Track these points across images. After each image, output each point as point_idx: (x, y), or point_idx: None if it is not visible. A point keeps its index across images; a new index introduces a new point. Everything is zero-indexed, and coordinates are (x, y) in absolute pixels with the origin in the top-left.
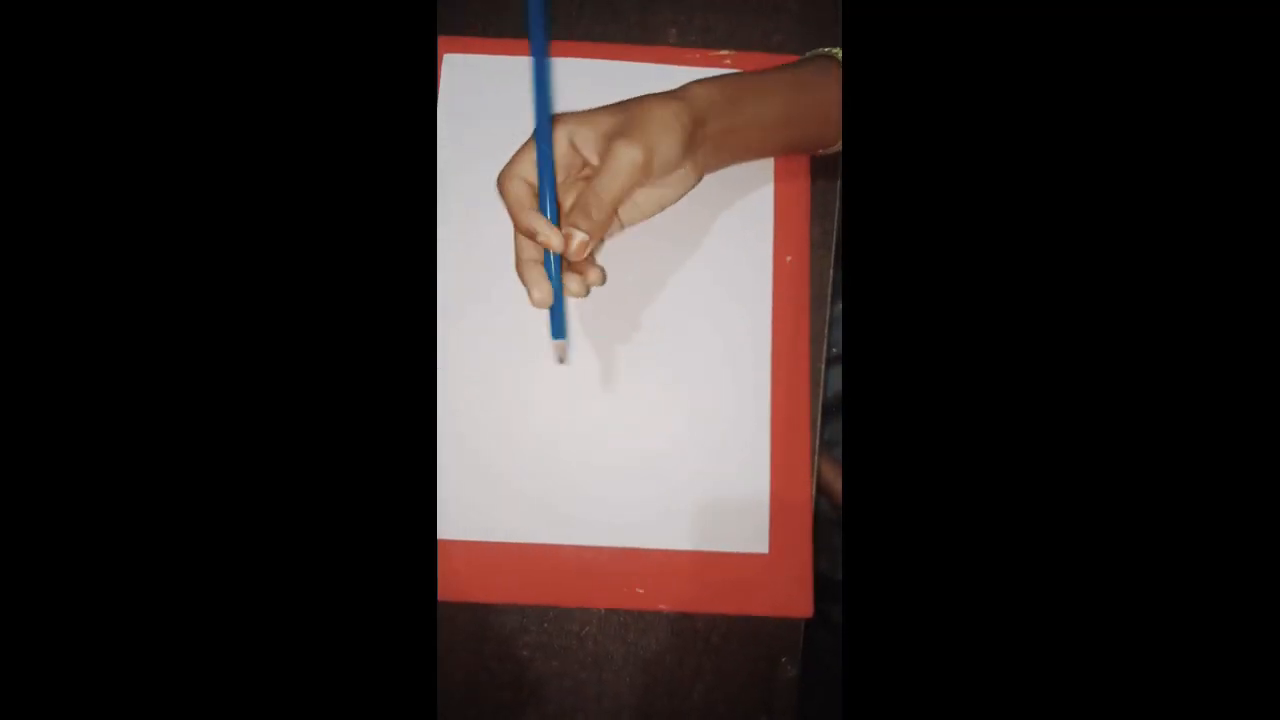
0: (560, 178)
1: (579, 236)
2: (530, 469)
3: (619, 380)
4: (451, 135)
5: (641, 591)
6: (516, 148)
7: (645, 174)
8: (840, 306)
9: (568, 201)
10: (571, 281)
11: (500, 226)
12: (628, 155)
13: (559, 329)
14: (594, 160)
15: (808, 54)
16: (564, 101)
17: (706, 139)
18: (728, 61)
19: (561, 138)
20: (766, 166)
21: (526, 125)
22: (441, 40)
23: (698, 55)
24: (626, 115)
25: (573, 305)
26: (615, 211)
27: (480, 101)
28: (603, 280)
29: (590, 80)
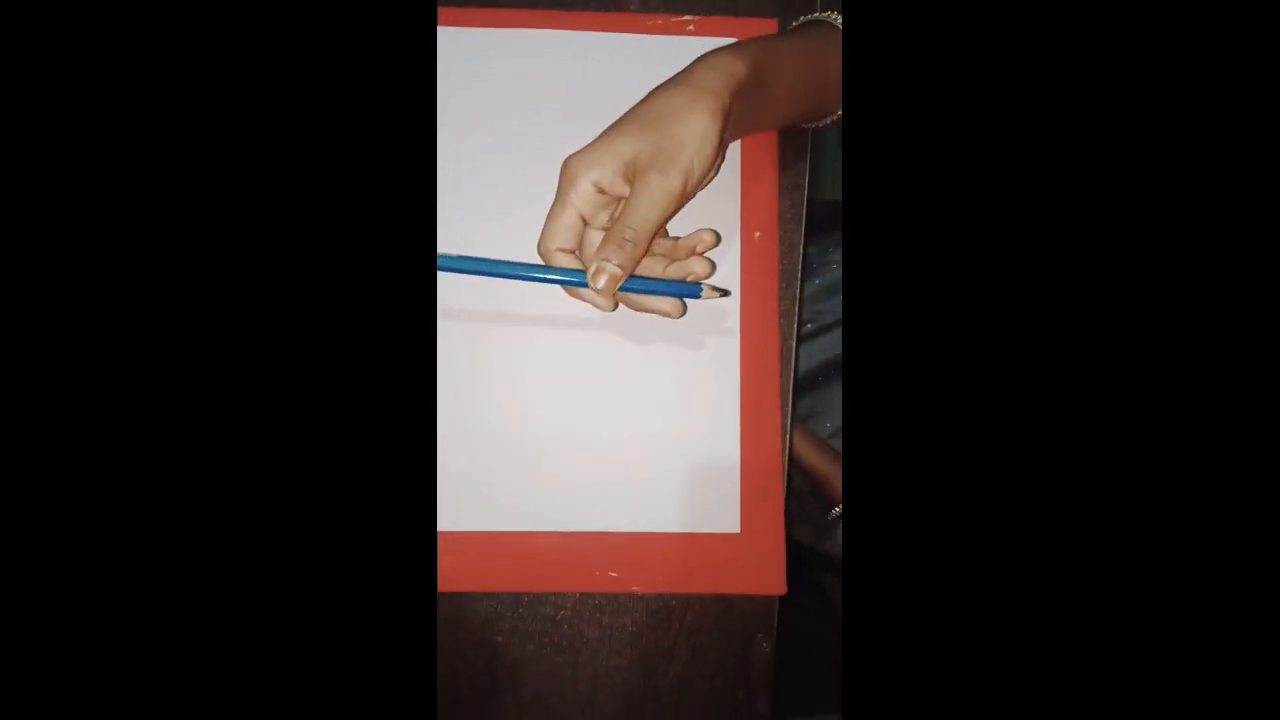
0: (588, 224)
1: (610, 271)
2: (498, 458)
3: (585, 365)
4: (450, 113)
5: (615, 575)
6: (515, 124)
7: (683, 200)
8: (815, 282)
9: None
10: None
11: (497, 211)
12: (663, 188)
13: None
14: (622, 191)
15: (804, 19)
16: (523, 75)
17: (731, 128)
18: (691, 27)
19: (584, 184)
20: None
21: (526, 100)
22: (440, 13)
23: (660, 21)
24: (654, 138)
25: (537, 291)
26: (650, 243)
27: (479, 77)
28: (613, 308)
29: (549, 52)
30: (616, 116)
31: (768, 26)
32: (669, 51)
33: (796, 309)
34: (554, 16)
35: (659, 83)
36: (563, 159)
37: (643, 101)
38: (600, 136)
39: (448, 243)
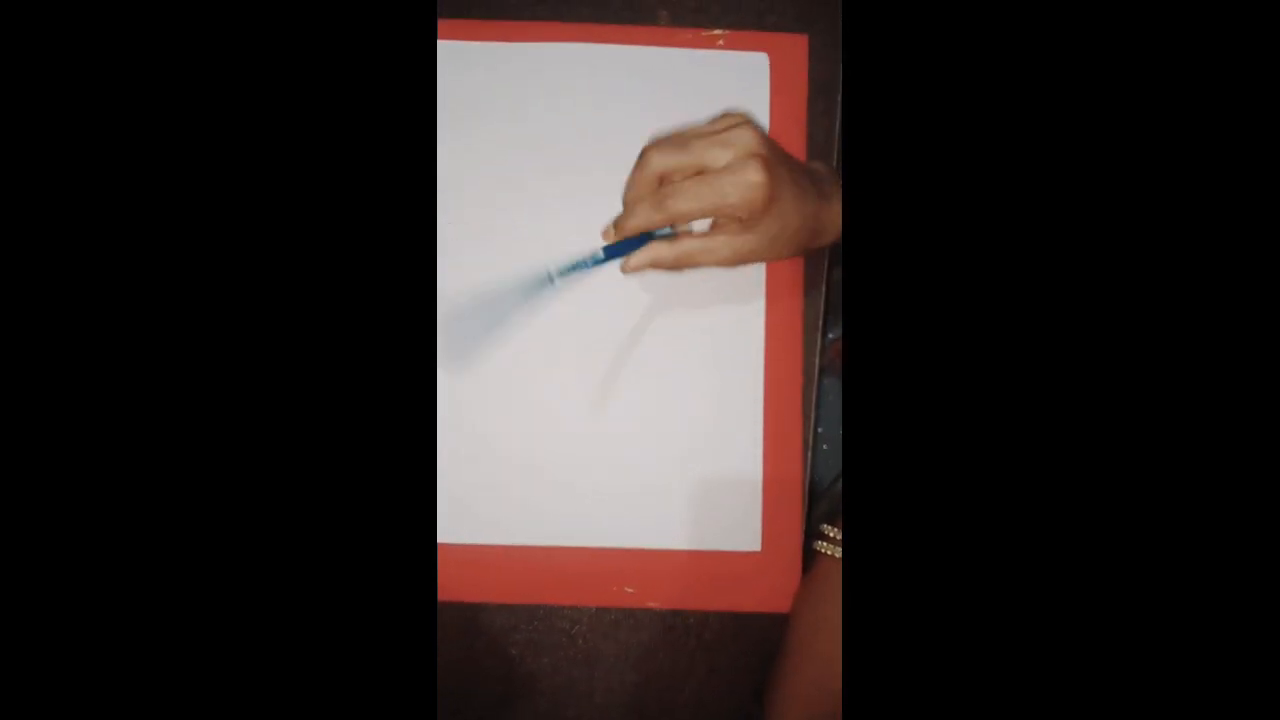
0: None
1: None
2: (519, 472)
3: (608, 381)
4: (450, 127)
5: (631, 590)
6: (518, 139)
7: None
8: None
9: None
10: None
11: (499, 223)
12: (727, 250)
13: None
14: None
15: None
16: (555, 89)
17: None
18: (721, 42)
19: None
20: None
21: (557, 115)
22: (470, 28)
23: (690, 35)
24: (769, 216)
25: (563, 306)
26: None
27: (511, 92)
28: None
29: (581, 66)
30: (648, 129)
31: (797, 42)
32: (699, 66)
33: (820, 323)
34: (585, 30)
35: (689, 96)
36: (594, 172)
37: None
38: None
39: (499, 255)
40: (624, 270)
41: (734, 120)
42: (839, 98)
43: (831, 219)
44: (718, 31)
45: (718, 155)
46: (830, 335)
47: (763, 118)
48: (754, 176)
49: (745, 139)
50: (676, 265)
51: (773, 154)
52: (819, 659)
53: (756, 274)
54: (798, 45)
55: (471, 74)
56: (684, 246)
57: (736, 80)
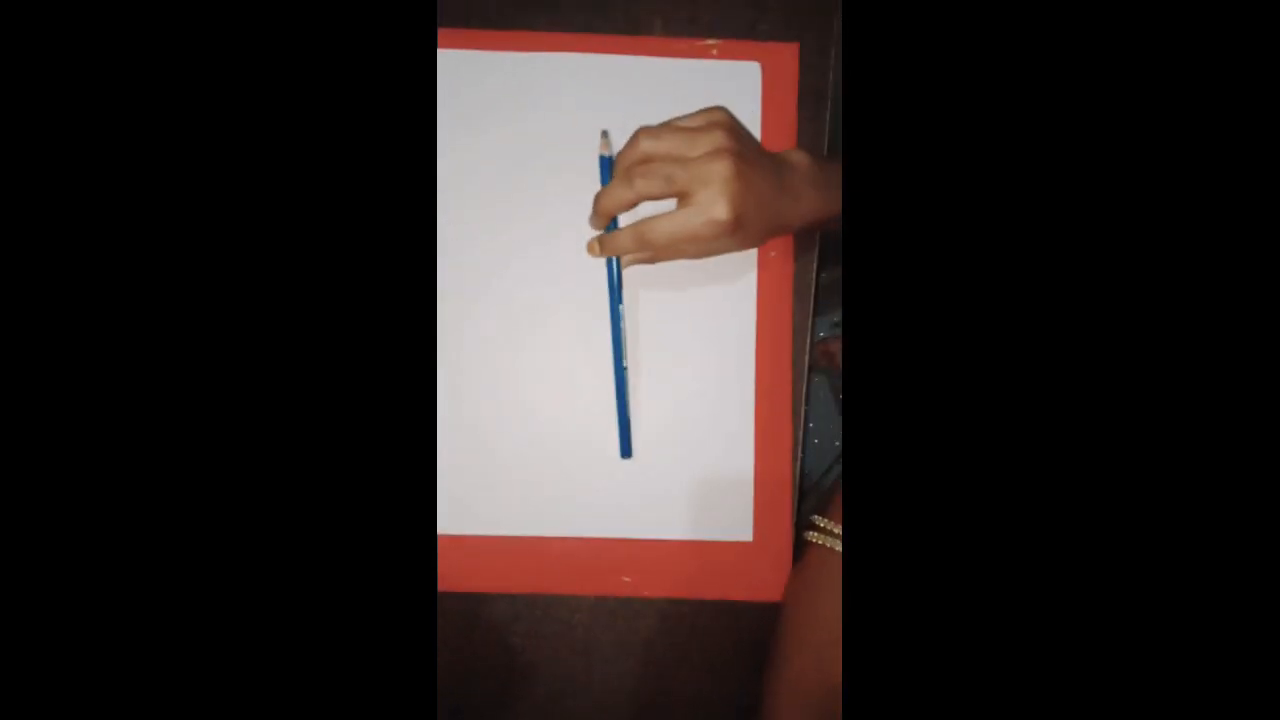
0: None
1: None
2: (519, 464)
3: (604, 374)
4: (450, 134)
5: (628, 580)
6: (516, 146)
7: (694, 252)
8: (826, 302)
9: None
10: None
11: (497, 224)
12: (703, 231)
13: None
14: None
15: None
16: (547, 96)
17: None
18: (714, 51)
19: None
20: None
21: (551, 124)
22: (465, 37)
23: (684, 45)
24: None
25: (558, 303)
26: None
27: (479, 98)
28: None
29: (575, 74)
30: None
31: (789, 51)
32: (692, 76)
33: (809, 323)
34: (582, 40)
35: (684, 105)
36: (591, 181)
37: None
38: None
39: (500, 255)
40: (591, 252)
41: (713, 144)
42: (828, 103)
43: (796, 214)
44: (711, 41)
45: (695, 186)
46: (820, 334)
47: (754, 125)
48: (721, 215)
49: (721, 171)
50: (644, 260)
51: (744, 172)
52: (813, 644)
53: (748, 279)
54: (789, 53)
55: (471, 81)
56: (649, 252)
57: (729, 89)
